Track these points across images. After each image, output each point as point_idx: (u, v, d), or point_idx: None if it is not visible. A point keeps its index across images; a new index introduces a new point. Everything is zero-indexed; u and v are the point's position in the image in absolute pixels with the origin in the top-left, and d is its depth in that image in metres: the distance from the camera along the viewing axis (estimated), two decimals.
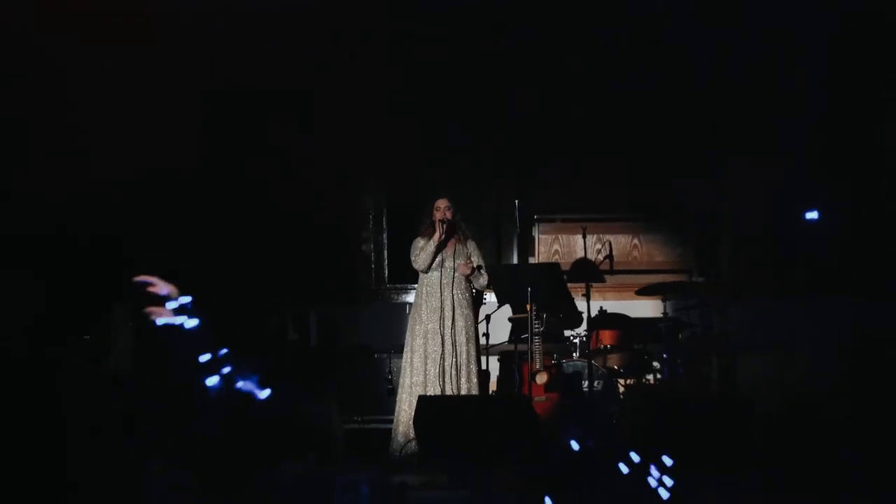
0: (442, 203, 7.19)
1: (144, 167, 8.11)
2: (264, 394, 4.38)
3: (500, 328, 8.30)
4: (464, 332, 7.07)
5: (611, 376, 7.80)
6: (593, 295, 7.70)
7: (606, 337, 8.01)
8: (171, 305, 4.17)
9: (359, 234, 9.39)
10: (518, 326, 8.12)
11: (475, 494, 5.24)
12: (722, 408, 6.47)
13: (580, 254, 8.64)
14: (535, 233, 9.28)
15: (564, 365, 7.80)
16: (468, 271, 7.16)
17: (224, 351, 4.52)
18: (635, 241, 9.24)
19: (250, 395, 4.45)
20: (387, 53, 8.90)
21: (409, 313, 7.53)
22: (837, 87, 8.89)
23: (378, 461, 6.81)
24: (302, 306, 8.57)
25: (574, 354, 7.95)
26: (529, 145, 9.17)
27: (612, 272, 8.34)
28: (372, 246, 9.36)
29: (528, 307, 7.21)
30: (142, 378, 6.61)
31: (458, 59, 8.93)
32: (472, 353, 7.10)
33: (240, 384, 4.24)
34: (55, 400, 4.86)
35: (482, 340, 7.85)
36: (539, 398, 7.31)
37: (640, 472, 4.88)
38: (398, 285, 9.03)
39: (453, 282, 7.11)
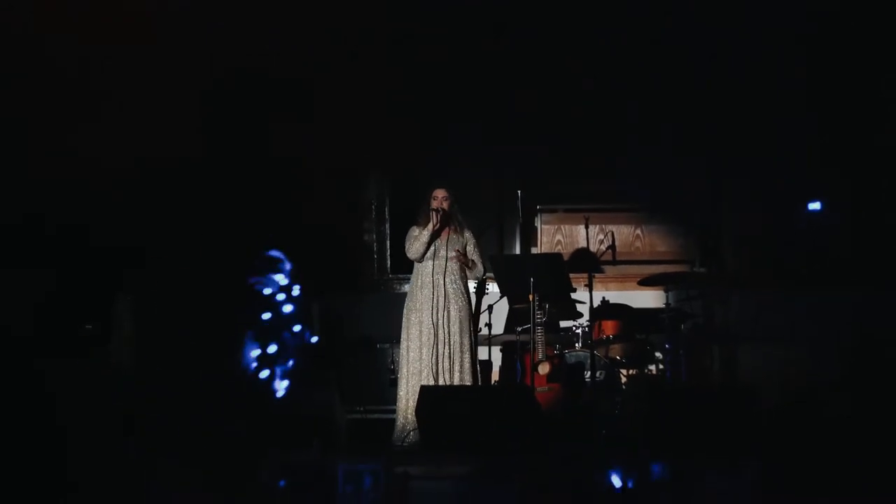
0: (439, 193, 7.18)
1: (145, 161, 8.12)
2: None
3: (503, 318, 8.33)
4: (457, 321, 7.07)
5: (613, 366, 7.81)
6: (596, 285, 7.70)
7: (609, 327, 8.01)
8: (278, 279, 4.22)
9: (361, 224, 9.38)
10: (515, 317, 8.13)
11: (477, 484, 5.24)
12: (724, 398, 6.47)
13: (583, 244, 8.64)
14: (538, 223, 9.27)
15: (567, 355, 7.80)
16: (461, 260, 7.15)
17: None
18: (638, 231, 9.23)
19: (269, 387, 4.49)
20: (387, 50, 8.93)
21: None
22: (837, 84, 8.90)
23: (381, 451, 6.81)
24: (305, 296, 8.57)
25: (576, 345, 7.95)
26: (532, 135, 9.18)
27: (614, 262, 8.34)
28: (374, 236, 9.36)
29: (531, 297, 7.21)
30: (145, 372, 6.63)
31: (458, 57, 8.95)
32: (466, 342, 7.10)
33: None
34: (57, 393, 4.88)
35: (484, 331, 7.87)
36: (541, 388, 7.31)
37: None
38: (400, 276, 9.02)
39: (446, 271, 7.10)
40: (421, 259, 7.15)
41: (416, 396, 6.75)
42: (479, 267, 7.30)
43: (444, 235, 7.20)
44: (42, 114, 7.81)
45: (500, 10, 8.84)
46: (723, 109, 8.97)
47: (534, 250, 9.21)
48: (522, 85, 9.05)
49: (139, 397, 5.38)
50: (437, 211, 7.09)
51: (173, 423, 5.19)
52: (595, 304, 7.72)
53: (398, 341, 7.29)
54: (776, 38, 8.76)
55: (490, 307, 7.83)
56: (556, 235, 9.26)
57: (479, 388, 7.25)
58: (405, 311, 7.17)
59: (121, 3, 7.90)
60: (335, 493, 5.02)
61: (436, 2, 8.87)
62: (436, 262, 7.12)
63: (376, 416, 8.05)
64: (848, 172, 8.82)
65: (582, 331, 7.96)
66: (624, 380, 7.89)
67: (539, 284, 7.21)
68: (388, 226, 9.36)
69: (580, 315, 8.03)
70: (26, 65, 7.70)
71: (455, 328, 7.04)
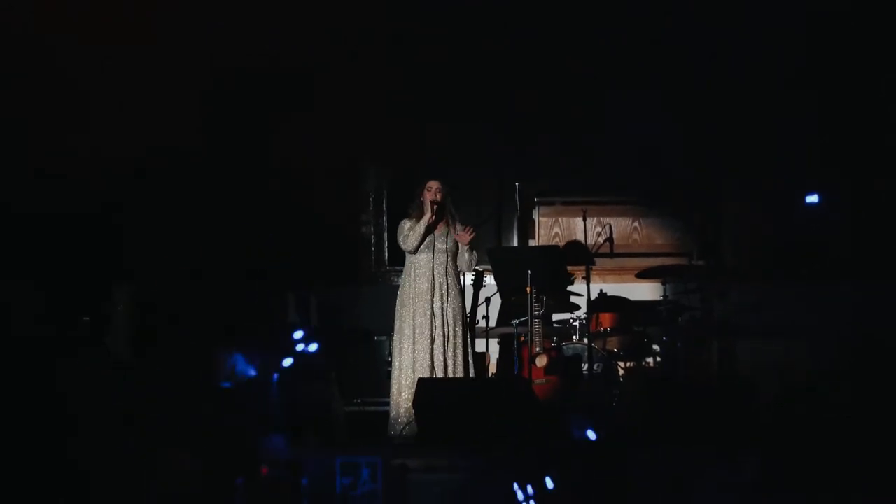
0: (434, 184, 7.14)
1: (145, 151, 8.13)
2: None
3: (498, 310, 8.32)
4: (451, 313, 7.05)
5: (610, 359, 7.81)
6: (593, 278, 7.69)
7: (606, 320, 8.01)
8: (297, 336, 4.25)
9: (359, 216, 9.38)
10: (509, 309, 8.11)
11: (475, 476, 5.24)
12: (722, 391, 6.47)
13: (580, 236, 8.64)
14: (536, 215, 9.27)
15: (564, 348, 7.80)
16: (468, 238, 7.12)
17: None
18: (635, 223, 9.23)
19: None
20: (387, 50, 8.95)
21: None
22: (837, 81, 8.91)
23: (378, 443, 6.81)
24: (303, 288, 8.58)
25: (574, 337, 7.95)
26: (530, 128, 9.19)
27: (612, 255, 8.34)
28: (372, 228, 9.36)
29: (528, 290, 7.20)
30: (145, 364, 6.63)
31: (458, 55, 8.96)
32: (460, 334, 7.08)
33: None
34: (57, 384, 4.87)
35: (481, 323, 7.86)
36: (539, 381, 7.31)
37: None
38: (398, 268, 8.99)
39: (441, 264, 7.07)
40: (415, 251, 7.11)
41: (410, 389, 6.77)
42: (474, 255, 7.24)
43: (438, 228, 7.17)
44: (41, 111, 7.81)
45: (500, 9, 8.86)
46: (723, 106, 8.98)
47: (531, 243, 9.21)
48: (522, 85, 9.08)
49: (138, 389, 5.37)
50: (433, 203, 7.06)
51: (173, 415, 5.19)
52: (593, 297, 7.72)
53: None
54: (776, 38, 8.77)
55: (487, 300, 7.82)
56: (553, 228, 9.25)
57: (477, 381, 7.24)
58: (398, 303, 7.14)
59: (121, 2, 7.91)
60: (333, 484, 5.02)
61: (436, 2, 8.89)
62: (429, 255, 7.08)
63: (373, 408, 8.04)
64: (847, 166, 8.83)
65: (579, 323, 7.96)
66: (621, 372, 7.89)
67: (536, 277, 7.20)
68: (385, 218, 9.35)
69: (577, 307, 8.03)
70: (26, 63, 7.70)
71: (449, 320, 7.02)
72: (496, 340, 8.31)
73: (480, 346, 7.96)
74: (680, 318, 8.12)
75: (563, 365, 7.59)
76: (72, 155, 7.80)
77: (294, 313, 8.48)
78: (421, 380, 6.58)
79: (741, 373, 8.23)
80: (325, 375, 7.45)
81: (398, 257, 8.76)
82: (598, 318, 7.98)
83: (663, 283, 8.02)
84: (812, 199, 8.52)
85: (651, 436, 5.92)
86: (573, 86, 9.06)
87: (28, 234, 7.49)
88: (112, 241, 7.81)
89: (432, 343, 6.96)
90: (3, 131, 7.61)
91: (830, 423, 5.76)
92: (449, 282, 7.09)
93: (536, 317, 7.32)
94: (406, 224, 7.16)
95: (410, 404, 6.66)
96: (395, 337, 7.11)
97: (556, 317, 8.35)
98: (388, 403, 7.16)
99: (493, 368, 8.28)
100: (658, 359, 8.16)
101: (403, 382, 6.93)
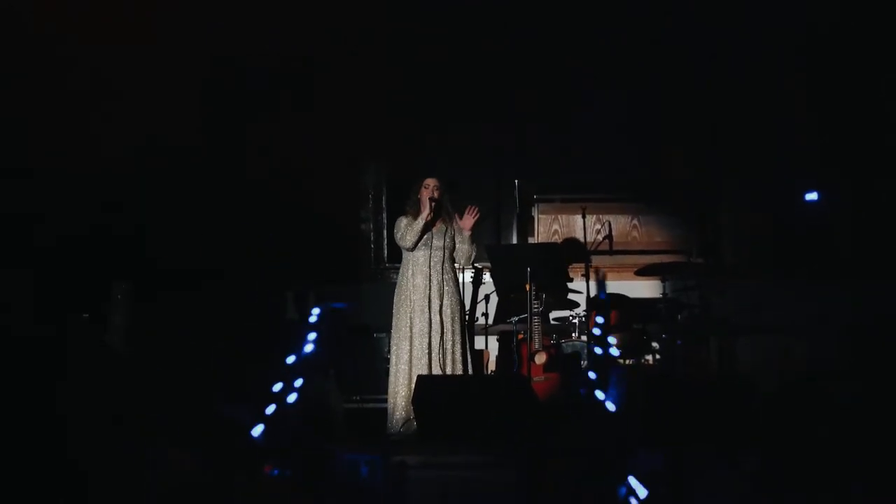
0: (431, 182, 7.15)
1: (145, 150, 8.13)
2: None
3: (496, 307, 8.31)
4: (449, 310, 7.05)
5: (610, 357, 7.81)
6: (592, 275, 7.70)
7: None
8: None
9: (358, 213, 9.38)
10: (506, 307, 8.11)
11: (474, 474, 5.25)
12: (721, 388, 6.47)
13: (580, 234, 8.63)
14: (535, 213, 9.27)
15: (563, 345, 7.80)
16: (471, 221, 7.12)
17: None
18: (635, 221, 9.24)
19: None
20: (387, 50, 8.97)
21: None
22: (837, 81, 8.92)
23: (378, 441, 6.82)
24: (301, 285, 8.58)
25: (573, 334, 7.95)
26: (529, 126, 9.20)
27: (611, 252, 8.34)
28: (371, 226, 9.36)
29: (527, 287, 7.20)
30: (141, 358, 6.62)
31: (458, 54, 8.98)
32: (458, 331, 7.08)
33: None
34: (56, 382, 4.87)
35: (481, 320, 7.86)
36: (538, 378, 7.31)
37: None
38: (397, 265, 8.99)
39: (438, 261, 7.07)
40: (413, 248, 7.12)
41: (408, 386, 6.77)
42: (474, 246, 7.23)
43: (436, 225, 7.17)
44: (41, 108, 7.81)
45: (500, 10, 8.87)
46: (722, 104, 8.99)
47: (531, 240, 9.21)
48: (522, 84, 9.09)
49: (136, 387, 5.37)
50: (431, 200, 7.06)
51: (171, 412, 5.19)
52: (592, 294, 7.72)
53: None
54: (776, 38, 8.79)
55: (487, 297, 7.82)
56: (552, 225, 9.26)
57: (476, 378, 7.25)
58: (396, 300, 7.14)
59: (121, 1, 7.92)
60: (332, 482, 5.02)
61: (436, 2, 8.90)
62: (427, 252, 7.09)
63: (372, 405, 8.04)
64: (847, 165, 8.84)
65: (579, 320, 7.96)
66: None
67: (536, 274, 7.20)
68: (385, 215, 9.35)
69: (576, 305, 8.04)
70: (27, 60, 7.70)
71: (448, 318, 7.03)
72: (495, 338, 8.31)
73: (479, 343, 7.97)
74: (679, 316, 8.13)
75: (562, 362, 7.59)
76: (72, 154, 7.80)
77: (293, 311, 8.48)
78: (420, 377, 6.59)
79: (740, 370, 8.23)
80: (323, 372, 7.46)
81: (397, 254, 8.77)
82: (597, 315, 7.98)
83: (662, 281, 8.03)
84: (811, 196, 8.52)
85: (650, 434, 5.92)
86: (573, 85, 9.07)
87: (26, 233, 7.48)
88: (111, 240, 7.81)
89: (430, 340, 6.97)
90: (2, 130, 7.61)
91: (830, 421, 5.76)
92: (447, 279, 7.09)
93: (536, 314, 7.33)
94: (403, 221, 7.17)
95: (409, 401, 6.67)
96: (393, 334, 7.11)
97: (554, 314, 8.36)
98: (386, 400, 7.17)
99: (492, 366, 8.29)
100: (657, 356, 8.17)
101: (402, 380, 6.93)
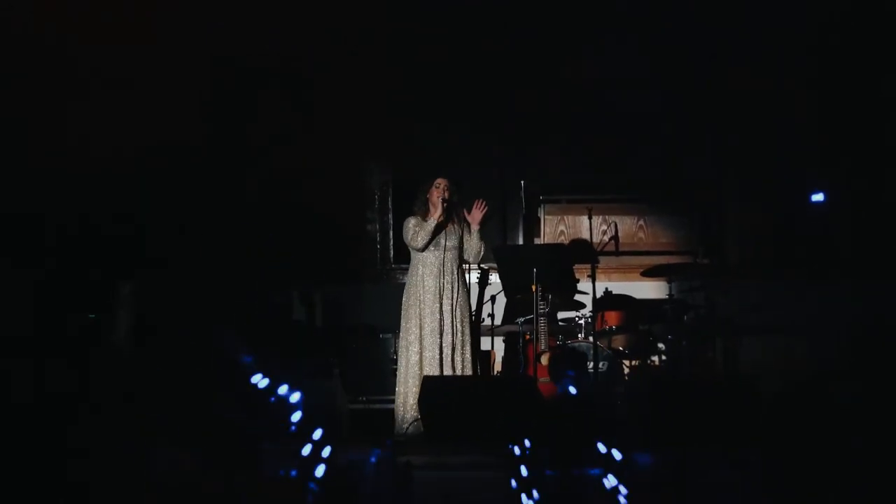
0: (442, 182, 7.13)
1: (148, 150, 8.14)
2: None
3: (503, 308, 8.31)
4: (459, 311, 7.05)
5: (616, 357, 7.81)
6: (599, 276, 7.69)
7: (611, 318, 8.00)
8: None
9: (364, 214, 9.38)
10: (514, 307, 8.11)
11: (479, 474, 5.24)
12: (727, 389, 6.46)
13: (586, 235, 8.63)
14: (541, 213, 9.27)
15: (570, 346, 7.79)
16: (480, 215, 7.11)
17: None
18: (641, 222, 9.23)
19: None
20: (387, 50, 8.99)
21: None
22: (840, 80, 8.92)
23: (383, 441, 6.81)
24: (307, 285, 8.58)
25: (579, 335, 7.95)
26: (534, 126, 9.21)
27: (617, 253, 8.34)
28: (377, 226, 9.36)
29: (534, 288, 7.20)
30: (146, 360, 6.63)
31: (459, 54, 9.00)
32: (467, 331, 7.09)
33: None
34: (59, 381, 4.87)
35: (487, 321, 7.85)
36: (544, 379, 7.31)
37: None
38: (403, 265, 8.99)
39: (447, 261, 7.06)
40: (424, 249, 7.10)
41: (417, 387, 6.76)
42: (482, 243, 7.22)
43: (446, 225, 7.16)
44: (43, 106, 7.83)
45: (500, 10, 8.89)
46: (726, 105, 9.00)
47: (537, 241, 9.21)
48: (525, 84, 9.09)
49: (138, 385, 5.38)
50: (444, 200, 7.05)
51: (172, 411, 5.19)
52: (598, 295, 7.71)
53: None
54: (779, 37, 8.80)
55: (493, 297, 7.82)
56: (559, 226, 9.26)
57: (482, 379, 7.25)
58: (405, 301, 7.13)
59: (122, 1, 7.95)
60: (338, 483, 5.01)
61: (437, 1, 8.91)
62: (437, 253, 7.08)
63: (378, 406, 8.04)
64: (850, 166, 8.85)
65: (585, 321, 7.96)
66: (626, 371, 7.88)
67: (542, 275, 7.20)
68: (390, 216, 9.36)
69: (583, 306, 8.03)
70: (26, 58, 7.72)
71: (458, 318, 7.03)
72: (501, 339, 8.31)
73: (485, 344, 7.97)
74: (685, 317, 8.12)
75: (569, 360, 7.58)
76: (73, 153, 7.82)
77: (299, 311, 8.49)
78: (426, 378, 6.59)
79: (745, 371, 8.22)
80: (329, 372, 7.46)
81: (403, 255, 8.79)
82: (603, 316, 7.98)
83: (668, 282, 8.02)
84: (818, 197, 8.51)
85: (655, 435, 5.91)
86: (575, 85, 9.08)
87: (29, 233, 7.50)
88: (114, 240, 7.82)
89: (441, 341, 6.96)
90: (4, 130, 7.62)
91: (833, 421, 5.75)
92: (456, 279, 7.09)
93: (542, 315, 7.32)
94: (411, 221, 7.15)
95: (417, 402, 6.66)
96: (402, 335, 7.10)
97: (561, 315, 8.35)
98: (392, 401, 7.17)
99: (498, 367, 8.29)
100: (663, 357, 8.16)
101: (411, 381, 6.92)
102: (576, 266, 7.73)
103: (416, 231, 7.08)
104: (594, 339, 7.61)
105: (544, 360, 7.40)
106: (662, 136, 9.11)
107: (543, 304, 7.34)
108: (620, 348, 8.04)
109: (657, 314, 8.01)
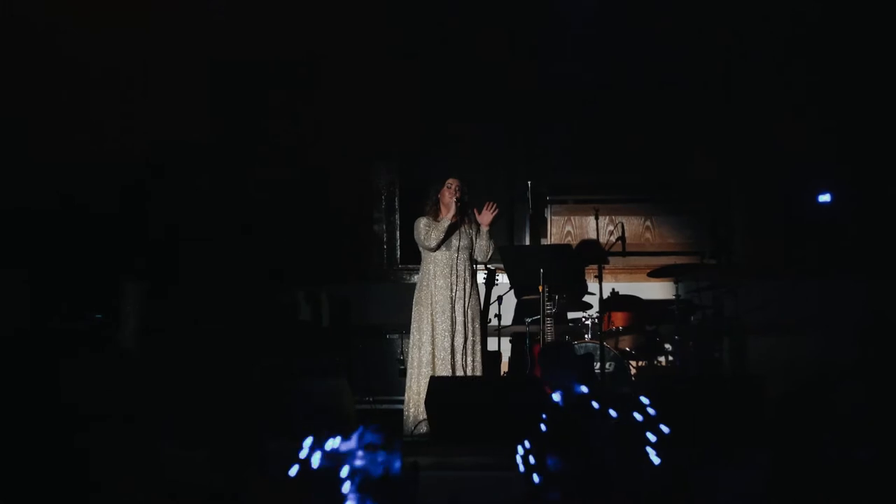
0: (454, 182, 7.12)
1: (155, 148, 8.16)
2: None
3: (512, 309, 8.31)
4: (470, 311, 7.04)
5: (623, 358, 7.80)
6: (605, 276, 7.69)
7: (618, 319, 8.00)
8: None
9: (371, 214, 9.39)
10: (523, 308, 8.12)
11: (486, 474, 5.24)
12: (734, 389, 6.44)
13: (592, 235, 8.63)
14: (548, 214, 9.27)
15: (576, 347, 7.79)
16: (490, 217, 7.10)
17: None
18: (648, 222, 9.23)
19: None
20: (387, 50, 9.00)
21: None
22: (845, 78, 8.91)
23: (389, 441, 6.80)
24: (314, 286, 8.59)
25: (586, 336, 7.94)
26: (541, 125, 9.22)
27: (624, 254, 8.33)
28: (384, 226, 9.36)
29: (541, 288, 7.19)
30: (153, 360, 6.64)
31: (458, 57, 8.99)
32: (478, 331, 7.08)
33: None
34: (65, 379, 4.88)
35: (494, 322, 7.85)
36: None
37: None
38: (410, 266, 9.02)
39: (459, 261, 7.05)
40: (437, 249, 7.08)
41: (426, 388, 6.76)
42: (492, 242, 7.21)
43: (460, 226, 7.16)
44: (46, 104, 7.84)
45: (499, 9, 8.90)
46: (732, 105, 9.01)
47: (543, 241, 9.20)
48: (532, 84, 9.10)
49: (145, 384, 5.39)
50: (457, 201, 7.03)
51: (180, 410, 5.20)
52: (604, 296, 7.71)
53: (408, 331, 7.26)
54: (784, 37, 8.80)
55: (500, 298, 7.82)
56: (565, 227, 9.25)
57: (489, 380, 7.24)
58: (416, 301, 7.12)
59: None
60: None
61: (436, 1, 8.93)
62: (449, 253, 7.06)
63: (385, 406, 8.04)
64: (859, 165, 8.84)
65: (591, 322, 7.95)
66: (633, 371, 7.88)
67: (549, 275, 7.19)
68: (397, 216, 9.36)
69: (590, 306, 8.03)
70: (33, 55, 7.74)
71: (469, 319, 7.01)
72: (508, 339, 8.31)
73: (492, 344, 7.96)
74: (692, 317, 8.11)
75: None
76: (76, 153, 7.83)
77: (305, 311, 8.49)
78: (433, 378, 6.58)
79: (753, 370, 8.21)
80: (336, 372, 7.46)
81: (410, 255, 8.80)
82: (610, 316, 7.98)
83: (675, 282, 8.01)
84: (824, 198, 8.51)
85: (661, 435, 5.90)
86: (580, 86, 9.10)
87: (37, 231, 7.51)
88: (122, 239, 7.83)
89: (453, 341, 6.95)
90: (9, 127, 7.65)
91: (840, 418, 5.75)
92: (468, 279, 7.07)
93: (549, 315, 7.32)
94: (422, 222, 7.13)
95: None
96: (413, 335, 7.07)
97: (572, 315, 8.35)
98: (400, 402, 7.16)
99: (505, 367, 8.28)
100: (670, 357, 8.15)
101: (423, 381, 6.88)
102: (584, 266, 7.73)
103: (428, 231, 7.06)
104: (601, 339, 7.60)
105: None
106: (670, 135, 9.10)
107: (551, 305, 7.33)
108: (627, 349, 8.03)
109: (664, 315, 8.00)
